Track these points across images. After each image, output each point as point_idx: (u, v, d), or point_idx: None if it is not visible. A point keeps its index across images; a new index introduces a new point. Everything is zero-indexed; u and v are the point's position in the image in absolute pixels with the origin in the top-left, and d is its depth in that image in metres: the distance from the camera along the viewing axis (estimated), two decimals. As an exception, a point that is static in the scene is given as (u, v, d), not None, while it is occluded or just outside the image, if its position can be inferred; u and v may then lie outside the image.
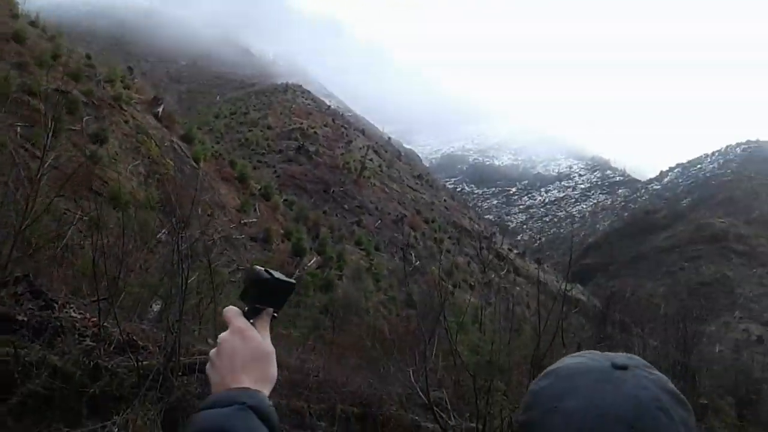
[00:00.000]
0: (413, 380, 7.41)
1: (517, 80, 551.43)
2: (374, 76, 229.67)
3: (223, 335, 1.11)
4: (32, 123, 13.66)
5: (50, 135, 7.74)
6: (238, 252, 16.96)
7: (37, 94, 14.50)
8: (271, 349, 1.11)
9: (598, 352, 1.00)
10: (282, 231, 22.28)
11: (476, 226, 44.92)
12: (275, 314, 1.20)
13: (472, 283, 32.72)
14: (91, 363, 5.21)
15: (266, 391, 1.05)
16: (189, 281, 6.19)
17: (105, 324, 5.73)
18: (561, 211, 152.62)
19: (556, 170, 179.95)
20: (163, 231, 10.62)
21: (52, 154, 9.21)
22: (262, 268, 1.20)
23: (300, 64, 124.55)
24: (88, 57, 25.26)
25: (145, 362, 5.47)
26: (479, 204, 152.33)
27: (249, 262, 16.17)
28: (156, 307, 7.27)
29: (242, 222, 19.70)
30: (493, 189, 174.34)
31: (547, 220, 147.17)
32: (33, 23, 22.49)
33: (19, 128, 13.76)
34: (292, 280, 1.23)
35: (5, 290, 5.80)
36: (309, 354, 7.82)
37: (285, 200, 29.11)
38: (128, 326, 6.12)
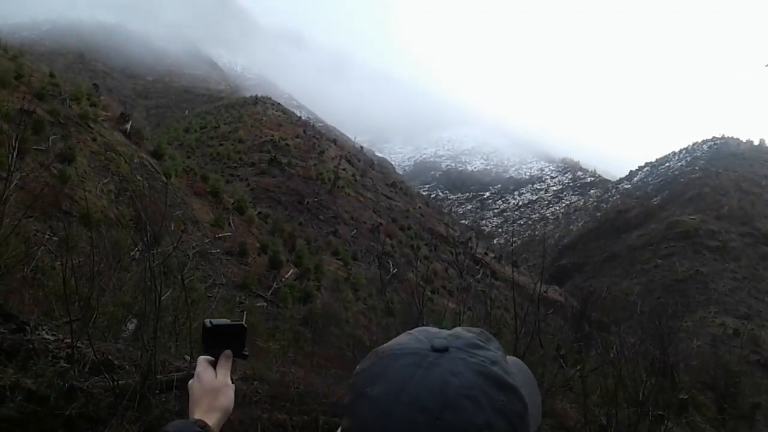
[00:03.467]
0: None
1: (486, 85, 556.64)
2: (343, 87, 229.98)
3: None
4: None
5: (15, 155, 7.59)
6: (213, 267, 16.78)
7: (0, 115, 14.22)
8: (220, 384, 1.38)
9: (432, 329, 0.94)
10: (258, 244, 22.11)
11: (452, 231, 45.08)
12: (244, 353, 1.46)
13: (451, 289, 32.78)
14: (66, 385, 5.10)
15: (214, 417, 1.34)
16: (163, 298, 6.10)
17: (78, 345, 5.62)
18: (535, 214, 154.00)
19: (528, 173, 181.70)
20: (136, 248, 10.44)
21: (18, 174, 9.04)
22: (208, 320, 1.43)
23: (268, 76, 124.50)
24: (52, 75, 24.90)
25: (121, 382, 5.36)
26: (454, 209, 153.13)
27: (224, 276, 16.03)
28: (131, 326, 7.14)
29: (217, 236, 19.50)
30: (467, 194, 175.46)
31: (522, 223, 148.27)
32: (-7, 44, 22.15)
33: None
34: (239, 323, 1.45)
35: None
36: (289, 366, 7.73)
37: (259, 213, 28.88)
38: (103, 346, 6.01)
